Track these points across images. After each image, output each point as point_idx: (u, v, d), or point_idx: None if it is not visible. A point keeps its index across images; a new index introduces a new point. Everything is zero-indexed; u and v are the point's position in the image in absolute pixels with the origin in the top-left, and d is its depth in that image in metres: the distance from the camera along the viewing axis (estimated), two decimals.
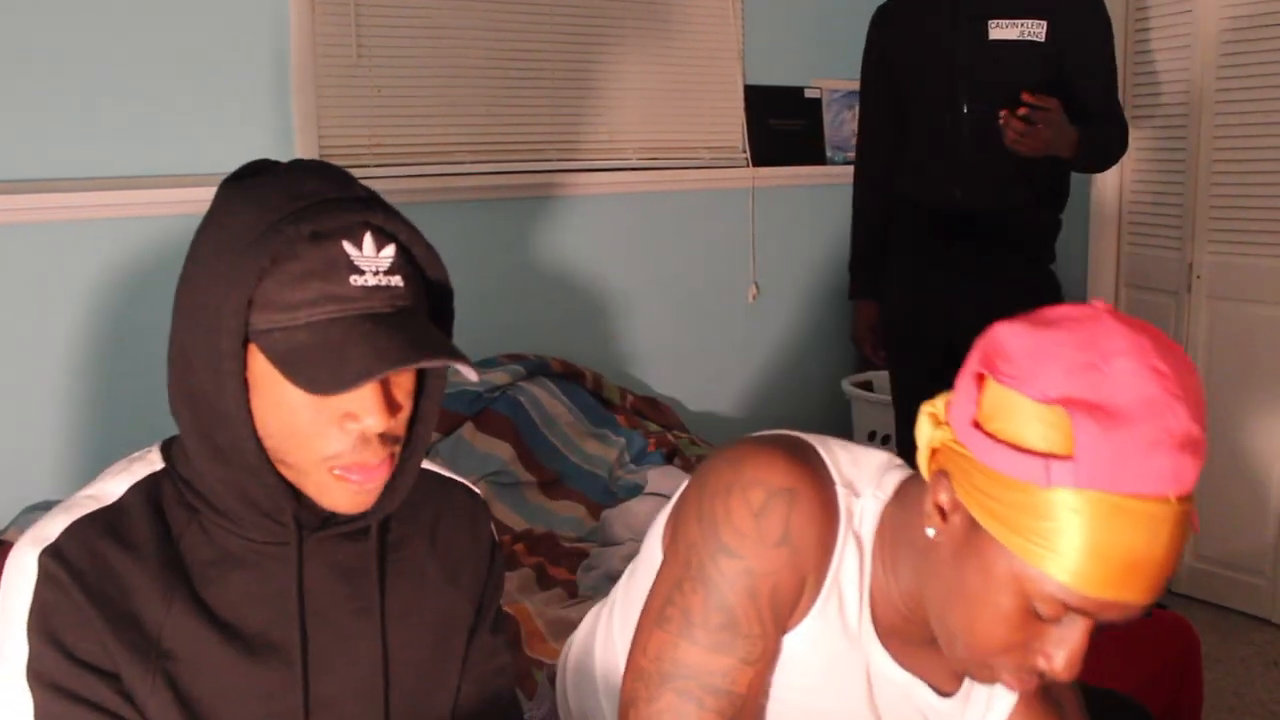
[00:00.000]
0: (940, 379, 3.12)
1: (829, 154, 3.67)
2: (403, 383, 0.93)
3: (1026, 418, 0.87)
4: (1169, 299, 3.31)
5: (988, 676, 0.97)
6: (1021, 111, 2.40)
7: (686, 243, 3.36)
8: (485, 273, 2.85)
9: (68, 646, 0.88)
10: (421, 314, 0.93)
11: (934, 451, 0.98)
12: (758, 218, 3.49)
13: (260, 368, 0.88)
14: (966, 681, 1.11)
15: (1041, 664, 0.93)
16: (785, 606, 1.03)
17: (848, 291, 2.96)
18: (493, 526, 1.13)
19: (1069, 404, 0.85)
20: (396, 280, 0.90)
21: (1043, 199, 2.70)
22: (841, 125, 3.71)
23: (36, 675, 0.88)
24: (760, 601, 1.02)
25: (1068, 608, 0.89)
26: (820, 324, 3.74)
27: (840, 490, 1.05)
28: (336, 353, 0.86)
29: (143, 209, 2.41)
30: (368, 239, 0.89)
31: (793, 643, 1.06)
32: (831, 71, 3.66)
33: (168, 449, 1.01)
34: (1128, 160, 3.45)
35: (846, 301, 3.80)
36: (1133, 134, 3.42)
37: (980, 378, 0.93)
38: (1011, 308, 2.66)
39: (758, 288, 3.52)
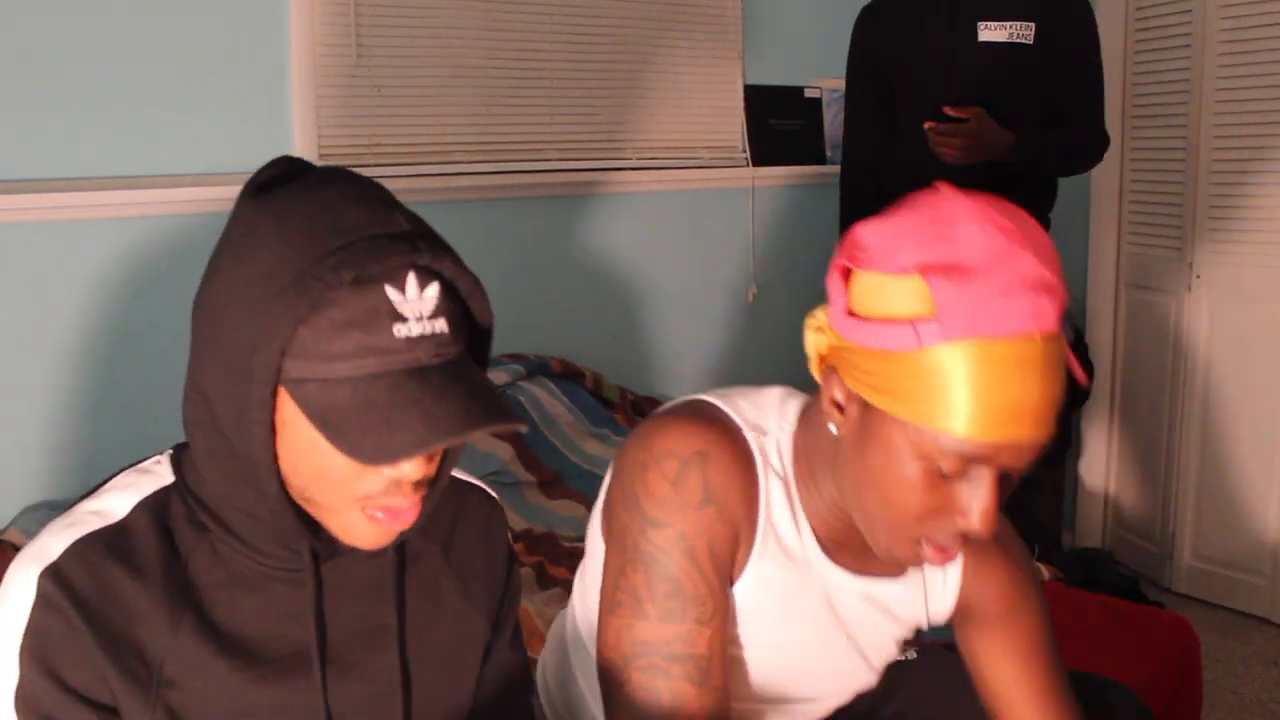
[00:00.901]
0: None
1: (829, 154, 3.66)
2: None
3: (890, 292, 0.94)
4: (1169, 299, 3.31)
5: (913, 554, 1.01)
6: (930, 123, 2.45)
7: (686, 242, 3.36)
8: (485, 272, 2.83)
9: (61, 675, 0.84)
10: (466, 361, 0.87)
11: (822, 357, 1.06)
12: (757, 217, 3.49)
13: (292, 413, 0.83)
14: None
15: (960, 524, 0.97)
16: (725, 559, 1.07)
17: None
18: (509, 535, 1.10)
19: (924, 269, 0.92)
20: (441, 325, 0.84)
21: (1031, 198, 2.69)
22: (841, 125, 3.71)
23: (25, 702, 0.84)
24: (700, 562, 1.05)
25: (967, 459, 0.93)
26: None
27: (749, 436, 1.10)
28: (383, 418, 0.81)
29: (142, 209, 2.41)
30: (411, 280, 0.83)
31: (745, 590, 1.10)
32: (831, 71, 3.66)
33: (178, 459, 0.96)
34: (1128, 160, 3.45)
35: None
36: (1133, 134, 3.42)
37: (845, 271, 1.00)
38: None
39: (758, 287, 3.52)
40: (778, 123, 3.55)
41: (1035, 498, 2.83)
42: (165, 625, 0.87)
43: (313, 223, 0.84)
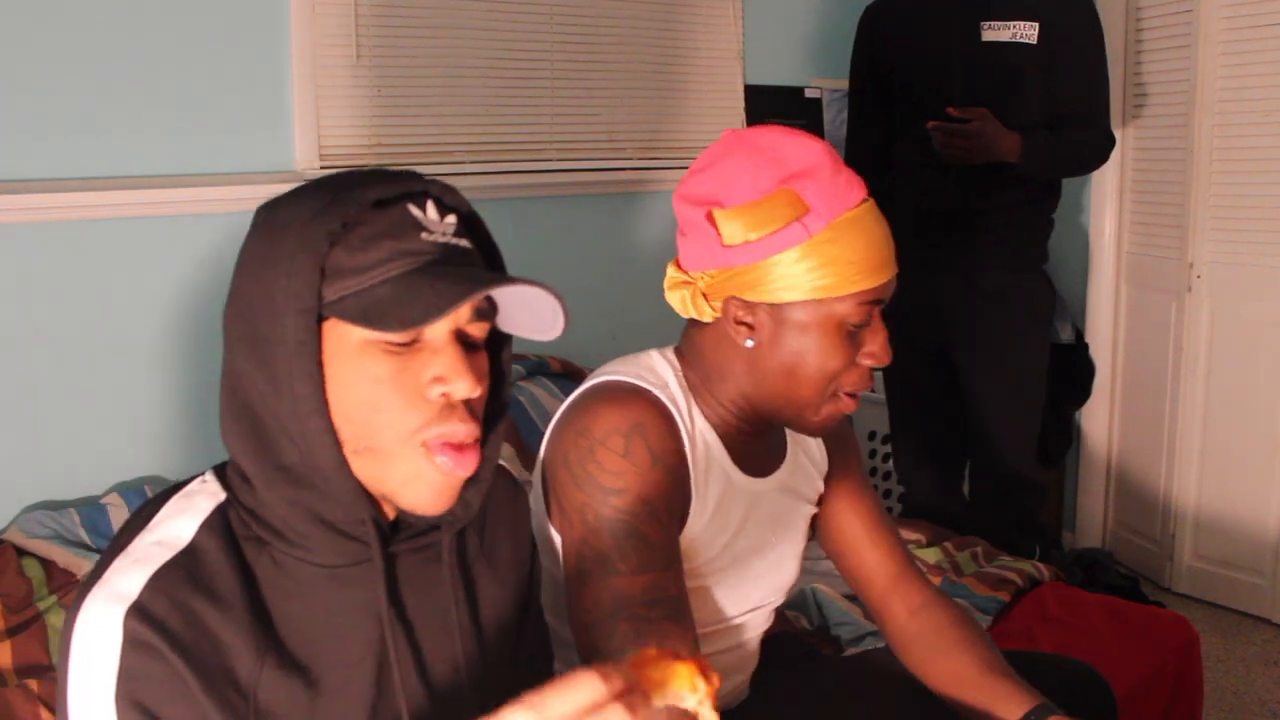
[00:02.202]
0: (934, 383, 3.10)
1: None
2: (479, 363, 0.90)
3: (763, 212, 1.15)
4: (1169, 299, 3.31)
5: (834, 409, 1.23)
6: (934, 124, 2.45)
7: None
8: None
9: (162, 717, 0.80)
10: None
11: (704, 295, 1.23)
12: None
13: (334, 345, 0.85)
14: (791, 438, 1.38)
15: (869, 362, 1.21)
16: (679, 508, 1.22)
17: None
18: (530, 517, 1.12)
19: (784, 182, 1.16)
20: (465, 244, 0.90)
21: (1034, 198, 2.70)
22: (841, 125, 3.71)
23: None
24: (660, 515, 1.18)
25: (867, 307, 1.18)
26: None
27: (660, 395, 1.23)
28: (426, 289, 0.83)
29: (142, 209, 2.41)
30: (430, 206, 0.89)
31: (697, 527, 1.25)
32: (831, 71, 3.66)
33: (223, 475, 0.93)
34: (1128, 160, 3.45)
35: None
36: (1133, 134, 3.42)
37: (709, 216, 1.19)
38: (1004, 311, 2.70)
39: None
40: (778, 123, 3.55)
41: (1035, 497, 2.83)
42: (252, 654, 0.85)
43: (329, 182, 0.89)
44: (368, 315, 0.83)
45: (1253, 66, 3.04)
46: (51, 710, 1.77)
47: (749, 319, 1.20)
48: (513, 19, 2.95)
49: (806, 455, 1.42)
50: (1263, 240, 3.08)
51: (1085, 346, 3.56)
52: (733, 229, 1.16)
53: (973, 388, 2.73)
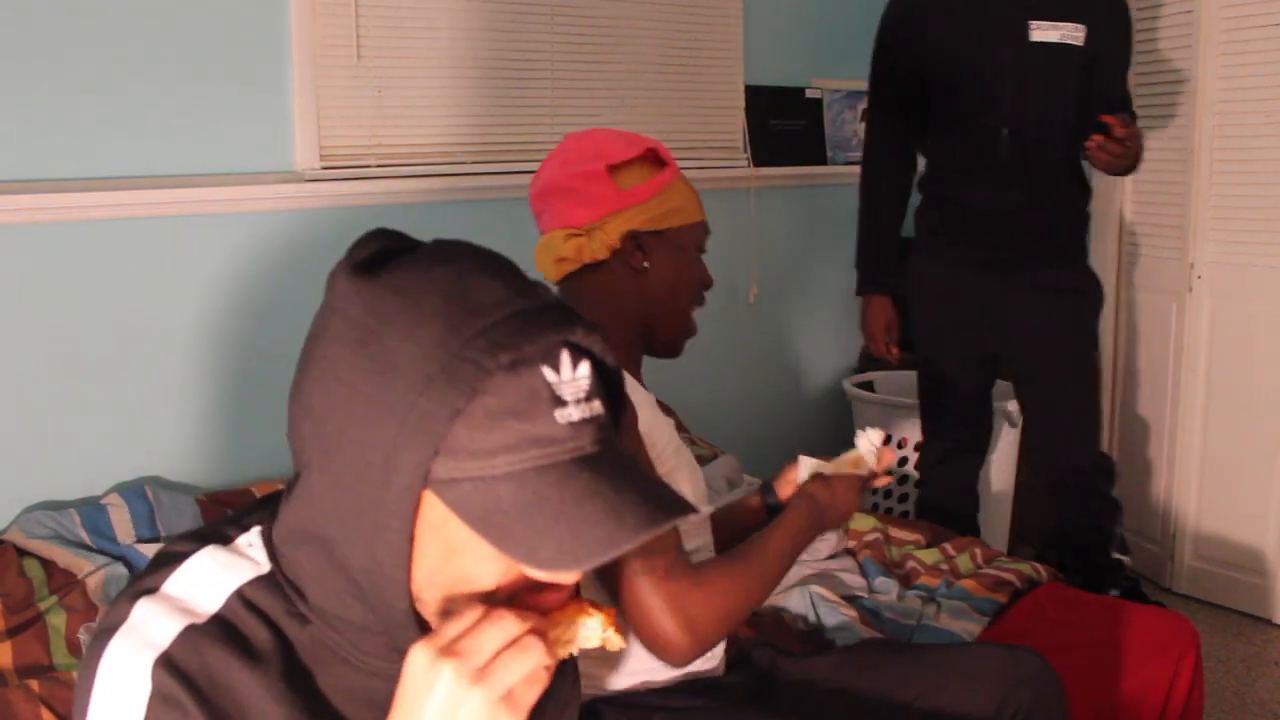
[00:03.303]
0: (977, 388, 3.11)
1: (830, 154, 3.67)
2: None
3: (641, 167, 1.50)
4: (1169, 299, 3.31)
5: (693, 322, 1.56)
6: (1100, 139, 2.47)
7: None
8: None
9: None
10: (620, 445, 0.80)
11: (602, 240, 1.46)
12: (758, 218, 3.49)
13: (435, 518, 0.75)
14: None
15: (708, 282, 1.56)
16: (649, 460, 1.39)
17: (856, 286, 2.94)
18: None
19: (646, 148, 1.51)
20: (597, 406, 0.77)
21: (1076, 194, 2.73)
22: (842, 125, 3.71)
23: None
24: (651, 469, 1.36)
25: (706, 232, 1.56)
26: (821, 324, 3.74)
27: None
28: (559, 517, 0.72)
29: (142, 209, 2.41)
30: (565, 359, 0.75)
31: (665, 464, 1.42)
32: (832, 71, 3.66)
33: (269, 539, 0.85)
34: None
35: (847, 301, 3.80)
36: None
37: (605, 171, 1.47)
38: (1062, 317, 2.73)
39: (759, 288, 3.52)
40: (778, 123, 3.55)
41: (1111, 480, 2.90)
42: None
43: (448, 300, 0.75)
44: (490, 525, 0.73)
45: (1253, 66, 3.04)
46: (52, 710, 1.77)
47: (643, 248, 1.47)
48: (513, 19, 2.95)
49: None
50: (1263, 240, 3.08)
51: None
52: (629, 177, 1.48)
53: (1045, 386, 2.77)
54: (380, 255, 0.80)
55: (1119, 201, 3.48)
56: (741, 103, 3.44)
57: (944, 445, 2.89)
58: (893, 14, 2.79)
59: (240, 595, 0.82)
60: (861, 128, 3.75)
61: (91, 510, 2.24)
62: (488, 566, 0.76)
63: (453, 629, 0.73)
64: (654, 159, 1.51)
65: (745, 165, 3.44)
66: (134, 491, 2.31)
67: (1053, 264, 2.70)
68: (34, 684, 1.80)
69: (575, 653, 0.81)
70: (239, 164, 2.55)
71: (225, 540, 0.86)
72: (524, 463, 0.73)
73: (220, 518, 0.92)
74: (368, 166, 2.71)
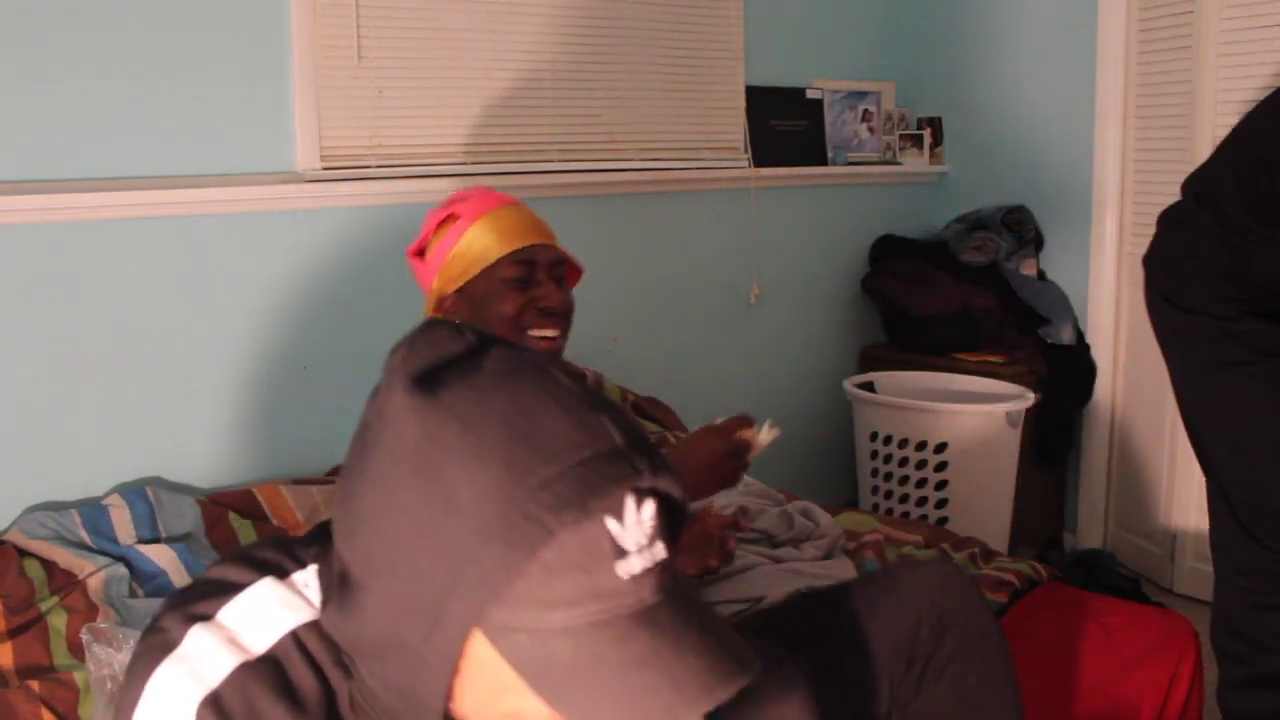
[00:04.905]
0: None
1: (830, 155, 3.67)
2: None
3: (438, 236, 1.71)
4: None
5: (535, 347, 1.64)
6: None
7: (687, 243, 3.36)
8: None
9: None
10: (683, 587, 0.77)
11: (433, 307, 1.70)
12: (759, 218, 3.49)
13: (485, 655, 0.73)
14: None
15: (542, 302, 1.69)
16: None
17: None
18: None
19: (444, 219, 1.71)
20: (660, 551, 0.74)
21: None
22: (842, 126, 3.72)
23: None
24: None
25: (520, 254, 1.70)
26: (821, 324, 3.74)
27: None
28: (617, 681, 0.70)
29: (142, 210, 2.41)
30: (629, 505, 0.73)
31: None
32: (832, 72, 3.67)
33: (326, 578, 0.84)
34: (1128, 160, 3.45)
35: (847, 301, 3.81)
36: (1133, 134, 3.43)
37: (411, 256, 1.73)
38: None
39: (759, 288, 3.53)
40: (778, 123, 3.55)
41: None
42: None
43: (510, 437, 0.72)
44: (542, 680, 0.71)
45: (1253, 66, 3.04)
46: (53, 710, 1.77)
47: (451, 305, 1.68)
48: (513, 19, 2.95)
49: None
50: None
51: (1086, 347, 3.56)
52: (432, 247, 1.69)
53: None
54: (444, 365, 0.77)
55: (1119, 201, 3.48)
56: (742, 103, 3.44)
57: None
58: None
59: (295, 637, 0.82)
60: (862, 128, 3.76)
61: (92, 511, 2.24)
62: (540, 706, 0.73)
63: None
64: (448, 218, 1.69)
65: (745, 165, 3.44)
66: (135, 492, 2.31)
67: None
68: (35, 684, 1.81)
69: None
70: (239, 164, 2.55)
71: (282, 574, 0.86)
72: (582, 618, 0.71)
73: (269, 541, 0.92)
74: (368, 167, 2.71)
